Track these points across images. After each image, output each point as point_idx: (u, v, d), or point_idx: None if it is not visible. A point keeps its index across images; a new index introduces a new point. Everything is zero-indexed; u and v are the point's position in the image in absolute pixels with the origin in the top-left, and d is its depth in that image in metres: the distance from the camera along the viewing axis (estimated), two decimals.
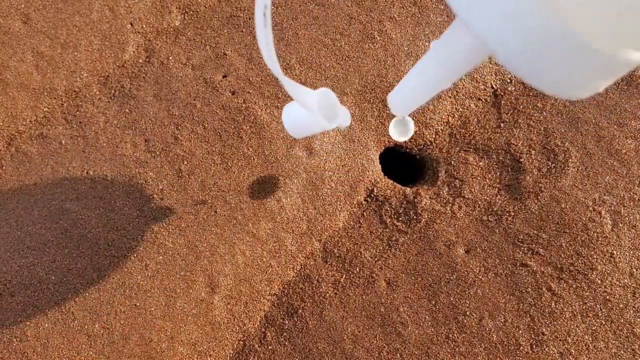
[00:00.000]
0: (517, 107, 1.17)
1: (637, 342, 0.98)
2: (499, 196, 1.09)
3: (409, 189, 1.13)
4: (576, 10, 0.23)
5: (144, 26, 1.22)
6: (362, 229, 1.08)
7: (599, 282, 1.01)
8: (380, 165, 1.16)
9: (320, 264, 1.05)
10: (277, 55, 1.20)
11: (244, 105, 1.15)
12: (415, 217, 1.08)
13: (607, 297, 1.00)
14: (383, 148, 1.16)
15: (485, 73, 1.19)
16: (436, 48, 0.39)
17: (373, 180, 1.12)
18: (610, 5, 0.23)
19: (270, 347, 0.99)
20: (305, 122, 0.56)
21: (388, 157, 1.23)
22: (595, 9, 0.24)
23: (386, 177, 1.16)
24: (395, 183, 1.15)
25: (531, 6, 0.24)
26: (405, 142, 1.16)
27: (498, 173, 1.11)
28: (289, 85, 0.47)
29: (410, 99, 0.47)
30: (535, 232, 1.05)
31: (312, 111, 0.51)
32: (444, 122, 1.17)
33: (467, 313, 1.00)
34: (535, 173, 1.10)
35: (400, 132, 0.62)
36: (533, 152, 1.12)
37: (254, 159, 1.11)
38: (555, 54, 0.26)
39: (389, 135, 1.16)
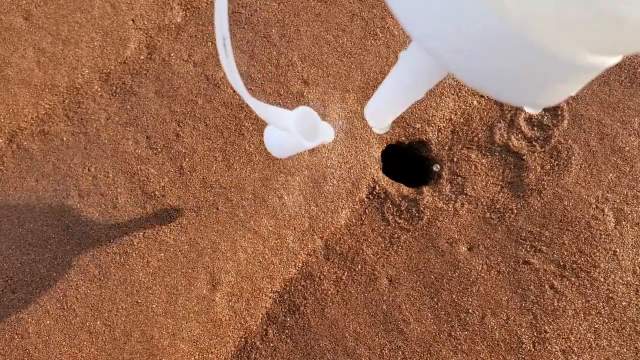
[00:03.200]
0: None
1: None
2: (501, 194, 1.09)
3: (411, 188, 1.13)
4: (522, 12, 0.21)
5: (146, 22, 1.22)
6: (364, 226, 1.08)
7: (602, 279, 1.01)
8: (381, 164, 1.15)
9: (322, 261, 1.05)
10: (279, 52, 1.19)
11: (245, 102, 1.14)
12: (417, 214, 1.08)
13: (610, 294, 1.00)
14: (385, 145, 1.15)
15: None
16: (404, 59, 0.37)
17: (375, 178, 1.12)
18: (562, 7, 0.22)
19: (272, 345, 0.99)
20: (286, 143, 0.54)
21: (390, 156, 1.23)
22: (544, 12, 0.22)
23: (387, 177, 1.15)
24: (399, 183, 1.14)
25: (475, 11, 0.22)
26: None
27: (501, 170, 1.11)
28: (260, 108, 0.44)
29: (384, 110, 0.45)
30: (538, 229, 1.05)
31: (289, 132, 0.49)
32: (446, 119, 1.17)
33: (470, 311, 1.00)
34: (538, 170, 1.10)
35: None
36: (536, 149, 1.12)
37: (255, 156, 1.10)
38: (508, 62, 0.24)
39: (390, 132, 1.15)
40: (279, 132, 0.53)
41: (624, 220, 1.05)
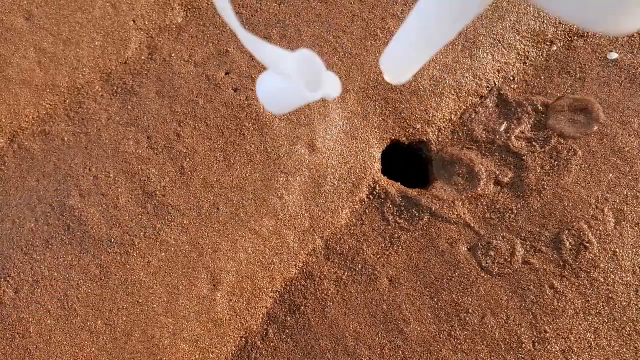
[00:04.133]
0: (520, 104, 1.16)
1: (639, 340, 0.98)
2: (501, 194, 1.09)
3: (411, 188, 1.13)
4: None
5: (147, 23, 1.22)
6: (364, 226, 1.08)
7: (602, 280, 1.01)
8: (381, 164, 1.16)
9: (323, 261, 1.05)
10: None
11: (246, 102, 1.15)
12: (417, 214, 1.08)
13: (610, 295, 1.00)
14: (386, 145, 1.16)
15: (488, 71, 1.19)
16: None
17: (375, 178, 1.12)
18: None
19: (272, 344, 0.99)
20: (282, 92, 0.45)
21: (391, 157, 1.23)
22: None
23: (387, 177, 1.16)
24: (399, 184, 1.15)
25: None
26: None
27: (501, 171, 1.11)
28: (254, 44, 0.37)
29: (408, 57, 0.37)
30: (538, 230, 1.05)
31: (289, 77, 0.42)
32: (446, 120, 1.17)
33: (470, 311, 1.00)
34: (539, 171, 1.10)
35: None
36: (536, 150, 1.12)
37: (256, 156, 1.11)
38: None
39: (391, 133, 1.16)
40: (276, 80, 0.45)
41: (624, 221, 1.05)
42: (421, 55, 0.36)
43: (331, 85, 0.46)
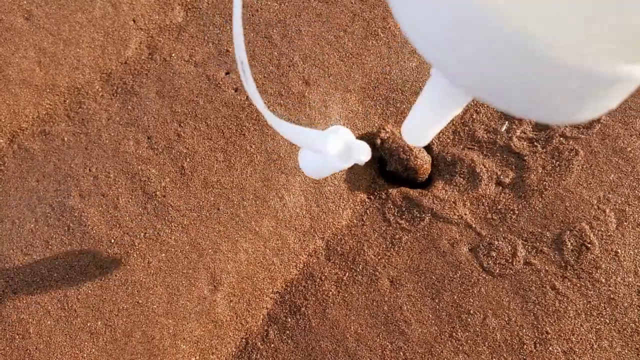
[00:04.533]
0: None
1: None
2: (503, 194, 1.09)
3: (412, 189, 1.13)
4: (528, 15, 0.20)
5: (147, 23, 1.22)
6: (365, 227, 1.08)
7: (604, 280, 1.01)
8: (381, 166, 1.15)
9: (323, 262, 1.05)
10: (280, 53, 1.19)
11: (246, 102, 1.14)
12: (418, 215, 1.08)
13: (612, 295, 1.00)
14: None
15: None
16: (434, 76, 0.36)
17: (376, 178, 1.12)
18: (576, 12, 0.20)
19: (272, 345, 0.99)
20: (320, 164, 0.51)
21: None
22: (557, 17, 0.20)
23: (388, 177, 1.15)
24: (400, 184, 1.14)
25: (485, 31, 0.20)
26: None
27: (502, 171, 1.11)
28: (290, 131, 0.42)
29: (422, 128, 0.42)
30: (539, 230, 1.05)
31: (324, 154, 0.47)
32: None
33: (471, 312, 1.00)
34: (540, 171, 1.10)
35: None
36: (537, 150, 1.12)
37: (256, 156, 1.10)
38: (536, 83, 0.22)
39: (392, 132, 1.15)
40: (313, 154, 0.51)
41: (626, 221, 1.04)
42: (433, 127, 0.41)
43: (360, 152, 0.52)
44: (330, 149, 0.48)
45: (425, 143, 0.44)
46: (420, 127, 0.41)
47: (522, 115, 0.26)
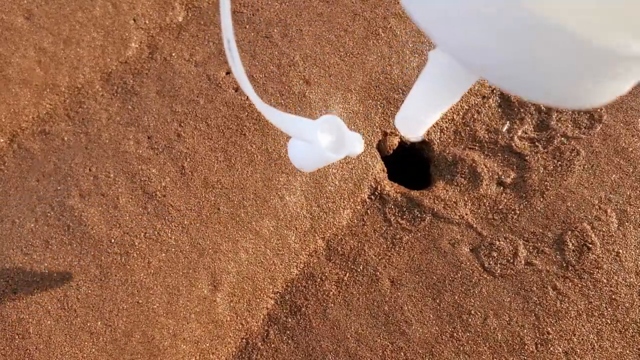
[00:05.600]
0: (523, 104, 1.16)
1: None
2: (504, 194, 1.09)
3: (413, 189, 1.13)
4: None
5: (147, 22, 1.22)
6: (366, 227, 1.07)
7: (605, 281, 1.00)
8: (382, 164, 1.15)
9: (324, 262, 1.05)
10: (281, 52, 1.19)
11: (247, 102, 1.14)
12: (419, 215, 1.07)
13: (613, 296, 0.99)
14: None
15: None
16: (433, 60, 0.34)
17: (377, 178, 1.12)
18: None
19: (273, 346, 0.99)
20: (309, 156, 0.49)
21: (392, 157, 1.22)
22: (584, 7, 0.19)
23: (389, 177, 1.15)
24: (400, 184, 1.14)
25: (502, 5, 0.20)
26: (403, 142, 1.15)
27: (503, 171, 1.10)
28: (278, 118, 0.40)
29: (418, 118, 0.41)
30: (540, 230, 1.05)
31: (314, 144, 0.45)
32: (448, 120, 1.16)
33: (472, 312, 1.00)
34: (541, 171, 1.09)
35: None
36: (539, 150, 1.11)
37: (257, 156, 1.10)
38: (540, 55, 0.21)
39: (392, 132, 1.15)
40: (303, 144, 0.48)
41: (627, 222, 1.04)
42: (431, 114, 0.39)
43: (354, 144, 0.50)
44: (322, 138, 0.45)
45: (421, 133, 0.42)
46: (417, 116, 0.40)
47: (525, 95, 0.25)
